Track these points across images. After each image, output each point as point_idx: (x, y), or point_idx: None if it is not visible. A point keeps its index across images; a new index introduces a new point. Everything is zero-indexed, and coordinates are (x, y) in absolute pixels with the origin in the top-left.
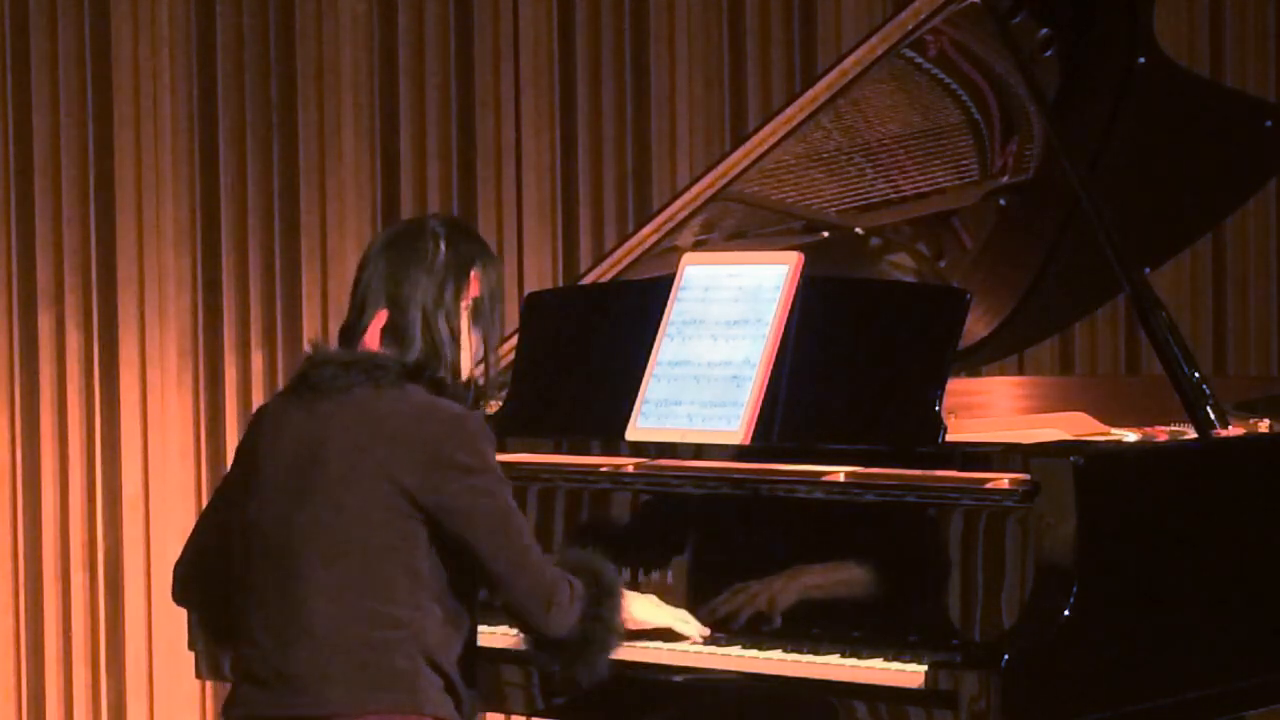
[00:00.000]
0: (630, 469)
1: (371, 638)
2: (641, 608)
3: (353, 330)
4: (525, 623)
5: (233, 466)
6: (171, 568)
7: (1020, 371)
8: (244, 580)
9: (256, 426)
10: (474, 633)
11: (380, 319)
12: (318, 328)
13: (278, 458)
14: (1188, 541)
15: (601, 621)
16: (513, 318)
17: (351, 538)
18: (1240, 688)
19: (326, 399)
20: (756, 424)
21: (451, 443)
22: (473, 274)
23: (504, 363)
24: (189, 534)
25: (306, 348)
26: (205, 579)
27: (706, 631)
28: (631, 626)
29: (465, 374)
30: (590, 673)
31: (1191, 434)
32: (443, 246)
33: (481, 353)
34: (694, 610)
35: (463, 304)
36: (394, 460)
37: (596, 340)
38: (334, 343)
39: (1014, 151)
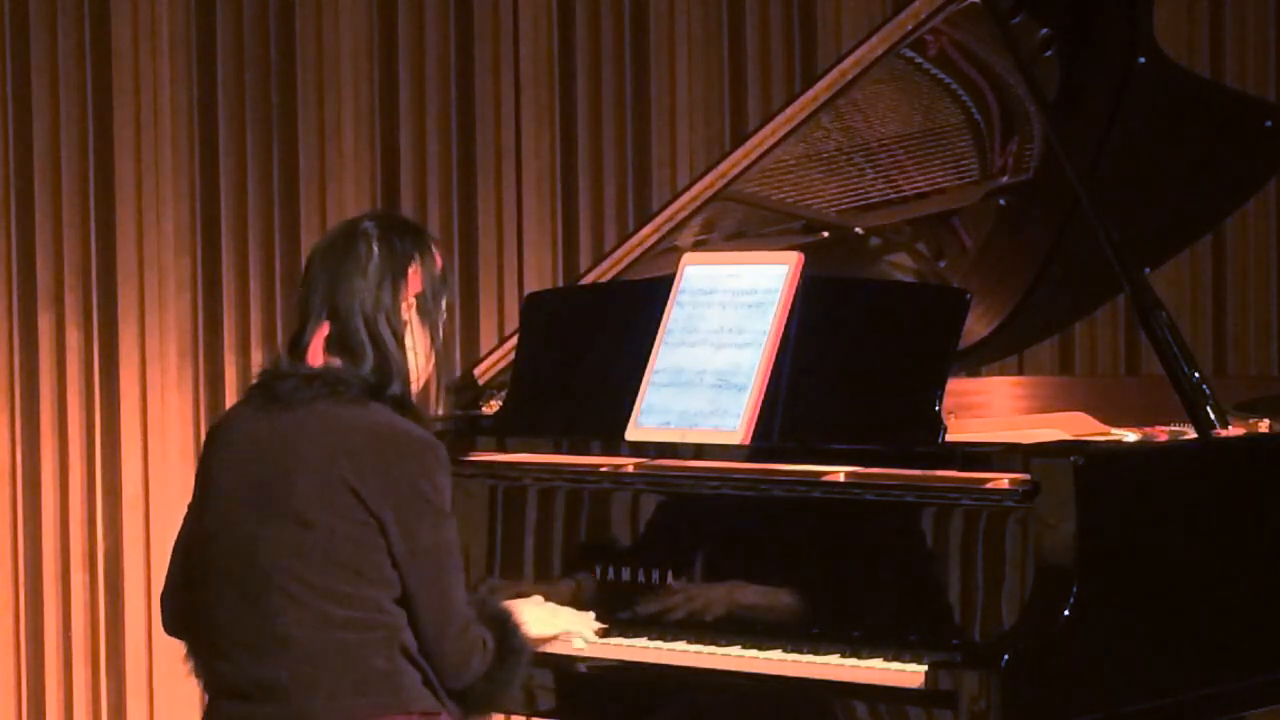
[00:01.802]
0: (630, 469)
1: (349, 642)
2: (534, 621)
3: (297, 344)
4: (434, 666)
5: (195, 486)
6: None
7: (1020, 371)
8: (209, 594)
9: (211, 441)
10: None
11: (323, 330)
12: None
13: (237, 470)
14: (1187, 541)
15: (496, 682)
16: (513, 317)
17: (320, 549)
18: (1240, 688)
19: (288, 411)
20: (756, 424)
21: (417, 471)
22: (410, 271)
23: (504, 362)
24: (168, 563)
25: (264, 362)
26: (189, 606)
27: (601, 627)
28: (532, 640)
29: (417, 375)
30: (475, 715)
31: (1191, 434)
32: (376, 248)
33: (434, 350)
34: (694, 610)
35: (404, 303)
36: (356, 474)
37: (596, 340)
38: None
39: (1014, 151)
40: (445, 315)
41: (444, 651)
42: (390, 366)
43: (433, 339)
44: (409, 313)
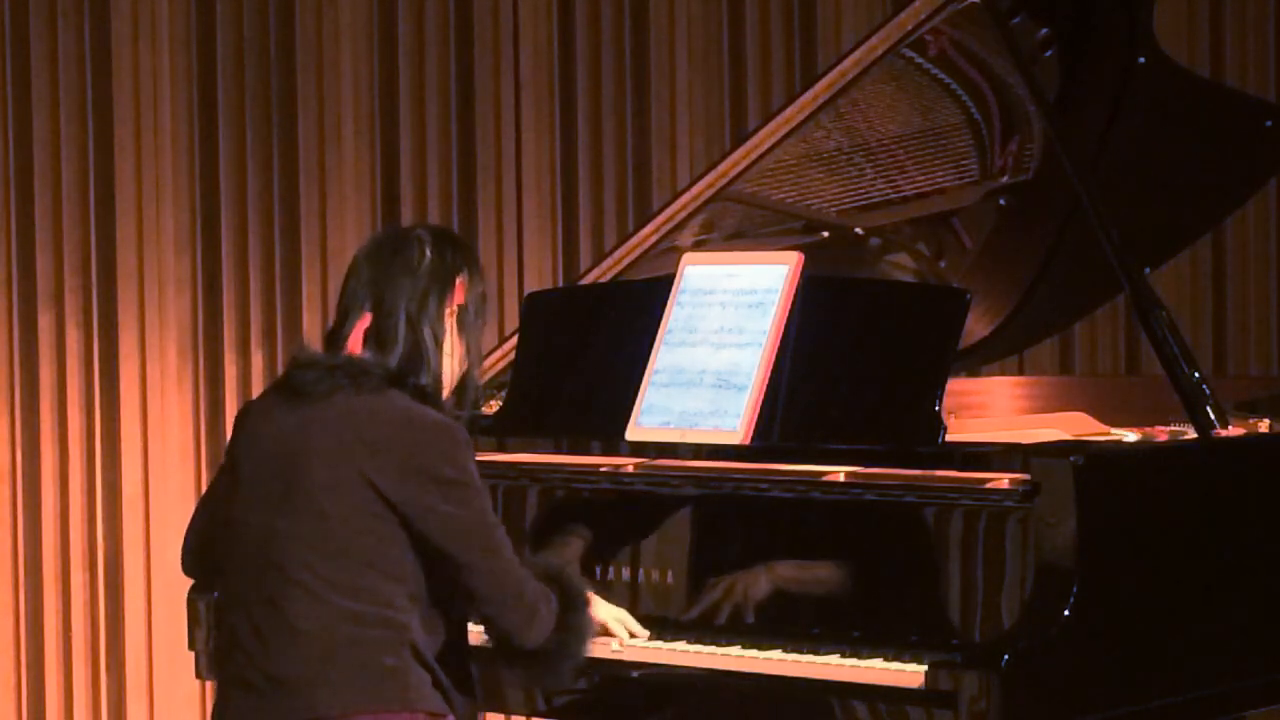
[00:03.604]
0: (630, 469)
1: (359, 637)
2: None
3: (337, 335)
4: (505, 636)
5: (225, 457)
6: (171, 568)
7: (1020, 371)
8: (225, 581)
9: (241, 424)
10: (463, 637)
11: (364, 321)
12: (318, 328)
13: (258, 460)
14: (1187, 541)
15: (572, 631)
16: (513, 317)
17: (334, 542)
18: (1240, 688)
19: (309, 402)
20: (756, 424)
21: (433, 452)
22: (458, 281)
23: (504, 362)
24: (198, 504)
25: (292, 350)
26: (211, 553)
27: (644, 632)
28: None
29: (449, 381)
30: (557, 681)
31: (1191, 434)
32: (429, 253)
33: (468, 361)
34: (694, 610)
35: (447, 310)
36: (373, 465)
37: (596, 340)
38: (319, 347)
39: (1014, 151)
40: (482, 335)
41: (510, 610)
42: (420, 359)
43: (468, 352)
44: (450, 320)
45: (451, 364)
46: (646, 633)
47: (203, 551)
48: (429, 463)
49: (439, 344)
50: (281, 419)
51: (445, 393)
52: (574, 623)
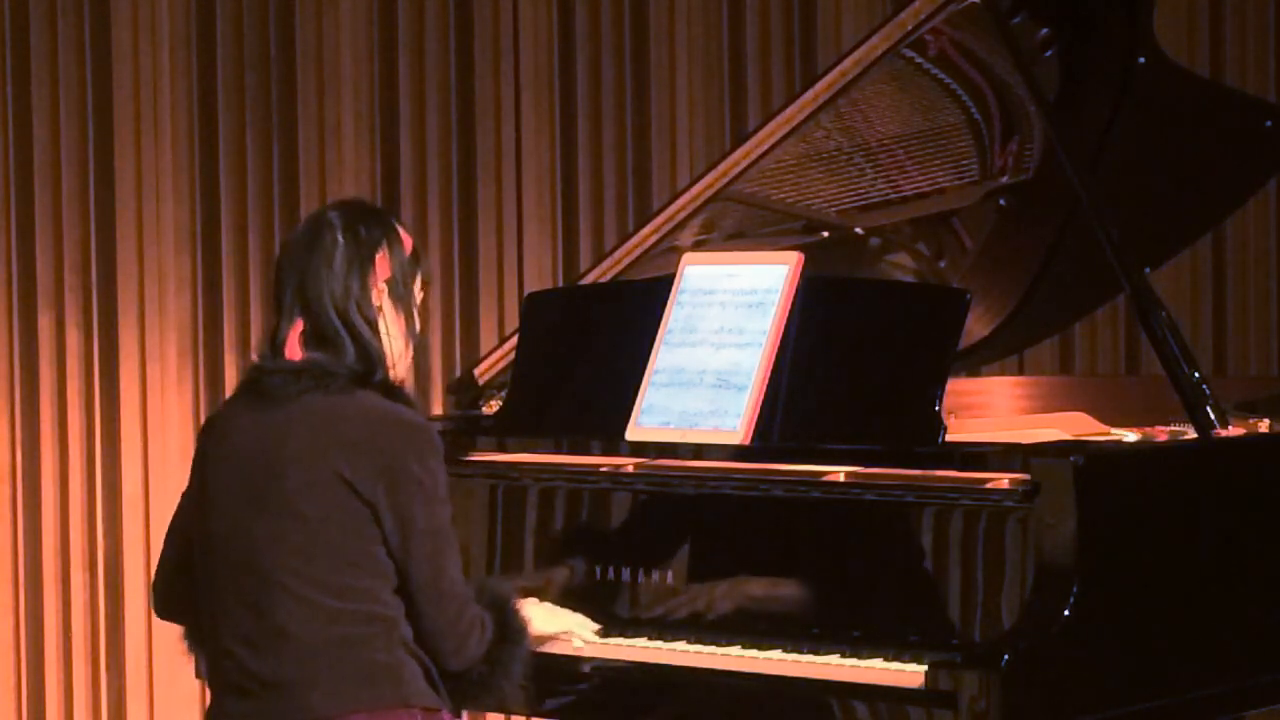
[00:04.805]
0: (630, 469)
1: (348, 635)
2: (534, 619)
3: (273, 342)
4: (430, 650)
5: (190, 479)
6: None
7: (1020, 371)
8: (207, 592)
9: (206, 438)
10: None
11: (298, 326)
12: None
13: (231, 467)
14: (1188, 541)
15: (499, 665)
16: (513, 317)
17: (315, 542)
18: (1240, 688)
19: (277, 406)
20: (756, 424)
21: (409, 453)
22: (378, 257)
23: (504, 362)
24: (161, 548)
25: (253, 355)
26: (183, 590)
27: (597, 628)
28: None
29: (396, 360)
30: (478, 705)
31: (1191, 434)
32: (340, 238)
33: (407, 332)
34: (693, 609)
35: (375, 289)
36: (348, 464)
37: (596, 340)
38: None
39: (1014, 151)
40: (422, 295)
41: (441, 631)
42: (370, 353)
43: (408, 322)
44: (381, 298)
45: (393, 341)
46: (600, 626)
47: (172, 594)
48: (402, 462)
49: (374, 329)
50: (251, 423)
51: (398, 372)
52: (502, 658)
